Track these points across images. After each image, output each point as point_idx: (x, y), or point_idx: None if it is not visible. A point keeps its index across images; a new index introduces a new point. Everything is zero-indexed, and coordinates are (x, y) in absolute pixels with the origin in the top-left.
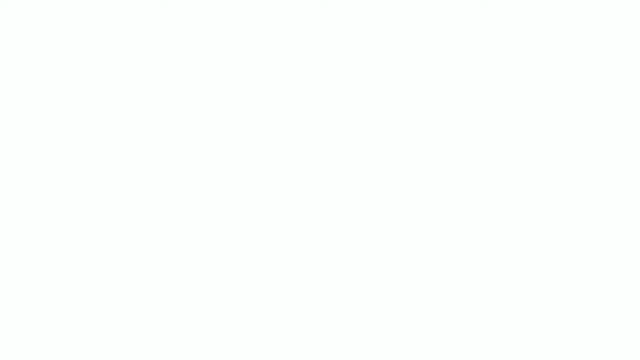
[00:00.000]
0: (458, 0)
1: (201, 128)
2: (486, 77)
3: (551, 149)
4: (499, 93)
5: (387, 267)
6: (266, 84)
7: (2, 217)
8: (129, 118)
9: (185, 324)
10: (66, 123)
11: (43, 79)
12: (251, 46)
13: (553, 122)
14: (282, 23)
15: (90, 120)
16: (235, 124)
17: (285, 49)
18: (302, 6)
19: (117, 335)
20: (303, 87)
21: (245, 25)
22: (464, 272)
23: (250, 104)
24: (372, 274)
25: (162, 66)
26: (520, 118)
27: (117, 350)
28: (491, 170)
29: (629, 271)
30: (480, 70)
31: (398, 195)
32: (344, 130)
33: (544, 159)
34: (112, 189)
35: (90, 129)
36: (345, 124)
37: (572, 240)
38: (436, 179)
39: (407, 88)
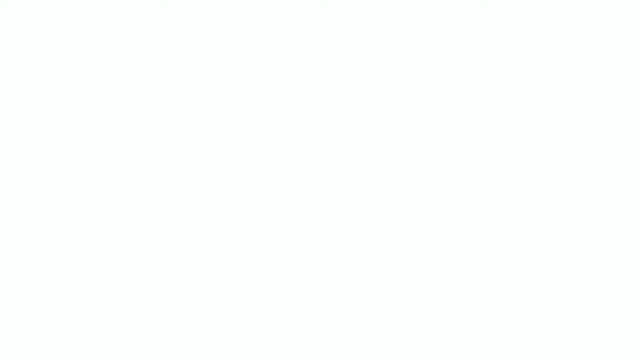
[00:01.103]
0: (458, 0)
1: (201, 128)
2: (486, 77)
3: (551, 149)
4: (499, 93)
5: (387, 267)
6: (266, 84)
7: (2, 217)
8: (128, 118)
9: (185, 324)
10: (66, 123)
11: (43, 79)
12: (251, 46)
13: (553, 122)
14: (282, 23)
15: (90, 119)
16: (235, 123)
17: (285, 49)
18: (302, 6)
19: (117, 335)
20: (303, 87)
21: (245, 26)
22: (464, 272)
23: (251, 104)
24: (372, 274)
25: (163, 66)
26: (521, 118)
27: (117, 350)
28: (491, 170)
29: (629, 271)
30: (480, 70)
31: (398, 195)
32: (344, 130)
33: (544, 159)
34: (112, 189)
35: (90, 129)
36: (346, 124)
37: (572, 240)
38: (436, 179)
39: (407, 88)
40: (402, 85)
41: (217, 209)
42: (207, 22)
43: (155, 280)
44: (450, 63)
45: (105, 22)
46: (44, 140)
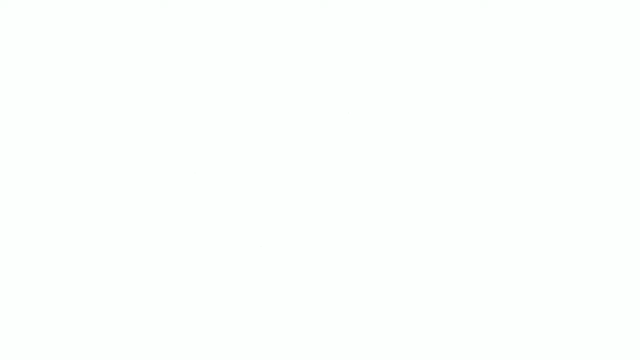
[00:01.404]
0: (458, 0)
1: (201, 128)
2: (486, 77)
3: (551, 149)
4: (499, 93)
5: (387, 267)
6: (266, 84)
7: (2, 217)
8: (129, 118)
9: (186, 324)
10: (66, 123)
11: (43, 79)
12: (251, 46)
13: (553, 122)
14: (282, 23)
15: (90, 120)
16: (235, 124)
17: (285, 49)
18: (302, 6)
19: (117, 335)
20: (303, 87)
21: (245, 25)
22: (464, 272)
23: (250, 104)
24: (372, 274)
25: (162, 66)
26: (520, 118)
27: (117, 350)
28: (491, 170)
29: (629, 271)
30: (480, 70)
31: (398, 196)
32: (344, 130)
33: (544, 159)
34: (111, 189)
35: (90, 129)
36: (346, 124)
37: (572, 240)
38: (436, 179)
39: (407, 88)
40: (402, 85)
41: (217, 208)
42: (207, 22)
43: (155, 280)
44: (450, 63)
45: (105, 22)
46: (44, 140)
